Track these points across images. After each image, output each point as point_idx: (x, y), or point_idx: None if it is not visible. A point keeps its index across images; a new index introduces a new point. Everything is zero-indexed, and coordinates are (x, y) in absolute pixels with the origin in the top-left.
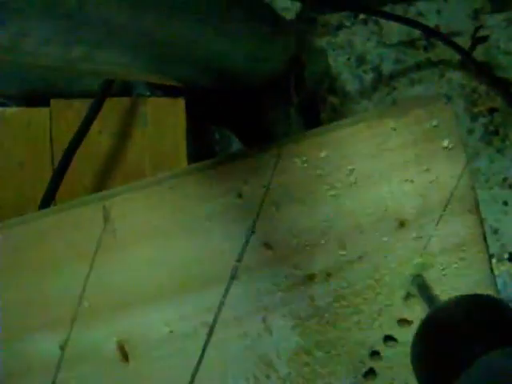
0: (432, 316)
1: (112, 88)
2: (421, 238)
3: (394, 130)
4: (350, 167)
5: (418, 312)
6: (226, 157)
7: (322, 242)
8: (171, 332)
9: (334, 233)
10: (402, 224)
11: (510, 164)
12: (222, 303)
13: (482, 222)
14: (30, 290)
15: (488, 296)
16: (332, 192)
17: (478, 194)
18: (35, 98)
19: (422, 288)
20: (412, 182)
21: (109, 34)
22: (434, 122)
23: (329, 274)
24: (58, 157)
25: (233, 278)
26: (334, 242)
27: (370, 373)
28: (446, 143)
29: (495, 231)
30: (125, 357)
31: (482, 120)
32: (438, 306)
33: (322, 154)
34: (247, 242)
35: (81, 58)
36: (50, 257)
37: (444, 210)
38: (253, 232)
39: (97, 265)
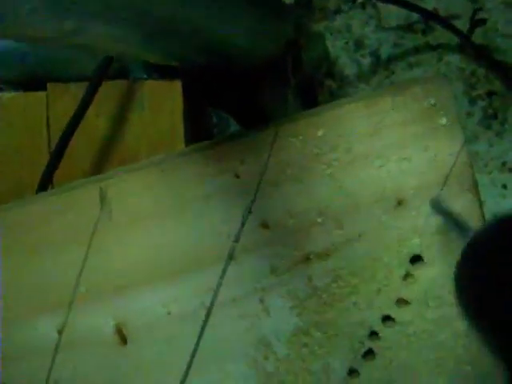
0: (473, 241)
1: (108, 71)
2: (419, 216)
3: (392, 108)
4: (347, 146)
5: (416, 292)
6: (223, 137)
7: (320, 221)
8: (169, 314)
9: (331, 212)
10: (399, 203)
11: (509, 147)
12: (219, 284)
13: (480, 200)
14: (27, 273)
15: None
16: (329, 171)
17: (476, 177)
18: (32, 83)
19: (439, 207)
20: (410, 160)
21: (105, 7)
22: (432, 100)
23: (327, 254)
24: (55, 141)
25: (230, 258)
26: (331, 222)
27: (369, 353)
28: (443, 121)
29: (494, 215)
30: (123, 340)
31: (481, 103)
32: (478, 230)
33: (320, 133)
34: (244, 222)
35: (71, 31)
36: (48, 239)
37: (442, 189)
38: (250, 212)
39: (94, 247)
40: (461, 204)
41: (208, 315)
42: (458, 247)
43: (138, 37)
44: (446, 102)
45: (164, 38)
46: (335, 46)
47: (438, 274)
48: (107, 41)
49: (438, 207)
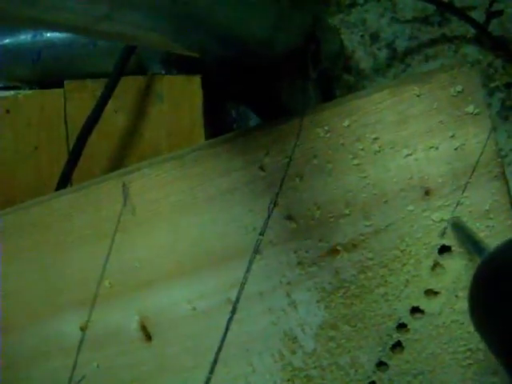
0: (489, 260)
1: (127, 66)
2: (447, 206)
3: (418, 96)
4: (373, 135)
5: (445, 282)
6: (247, 129)
7: (347, 212)
8: (194, 309)
9: (358, 203)
10: (427, 192)
11: None
12: (245, 279)
13: (508, 189)
14: (49, 270)
15: None
16: (355, 161)
17: None
18: (48, 81)
19: (459, 228)
20: (437, 149)
21: None
22: (459, 87)
23: (354, 246)
24: (73, 138)
25: (256, 252)
26: (358, 213)
27: (398, 345)
28: (470, 108)
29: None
30: (147, 336)
31: (499, 95)
32: (494, 250)
33: (345, 123)
34: (270, 215)
35: (103, 17)
36: (70, 236)
37: (470, 177)
38: (275, 205)
39: (117, 242)
40: (489, 192)
41: (234, 310)
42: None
43: (167, 26)
44: (473, 89)
45: (192, 29)
46: (351, 40)
47: (467, 264)
48: (137, 29)
49: (457, 226)
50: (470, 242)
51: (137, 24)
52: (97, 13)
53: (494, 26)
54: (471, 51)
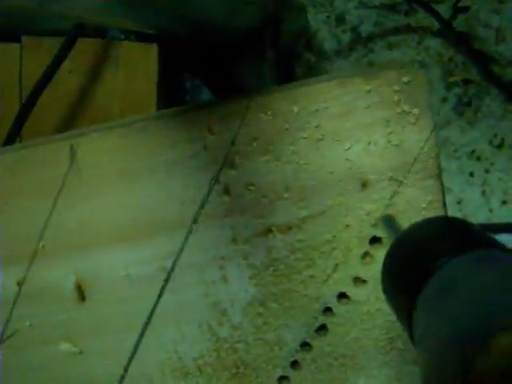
0: (398, 238)
1: (85, 28)
2: (382, 199)
3: (365, 90)
4: (317, 123)
5: (373, 272)
6: (195, 105)
7: (285, 195)
8: (127, 275)
9: (296, 187)
10: (364, 184)
11: (480, 136)
12: (181, 249)
13: (443, 189)
14: None
15: (449, 216)
16: (297, 147)
17: (445, 163)
18: (5, 34)
19: (389, 224)
20: (377, 143)
21: None
22: (405, 86)
23: (289, 228)
24: (27, 95)
25: (193, 224)
26: (296, 197)
27: (322, 328)
28: (414, 107)
29: (459, 201)
30: (82, 296)
31: (456, 90)
32: (404, 230)
33: (292, 109)
34: (210, 190)
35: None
36: (14, 193)
37: (406, 175)
38: (216, 181)
39: (60, 203)
40: (423, 191)
41: (167, 279)
42: None
43: (116, 7)
44: (418, 88)
45: (142, 8)
46: (316, 20)
47: None
48: (84, 11)
49: (388, 222)
50: (395, 231)
51: (84, 6)
52: None
53: (459, 22)
54: (434, 44)
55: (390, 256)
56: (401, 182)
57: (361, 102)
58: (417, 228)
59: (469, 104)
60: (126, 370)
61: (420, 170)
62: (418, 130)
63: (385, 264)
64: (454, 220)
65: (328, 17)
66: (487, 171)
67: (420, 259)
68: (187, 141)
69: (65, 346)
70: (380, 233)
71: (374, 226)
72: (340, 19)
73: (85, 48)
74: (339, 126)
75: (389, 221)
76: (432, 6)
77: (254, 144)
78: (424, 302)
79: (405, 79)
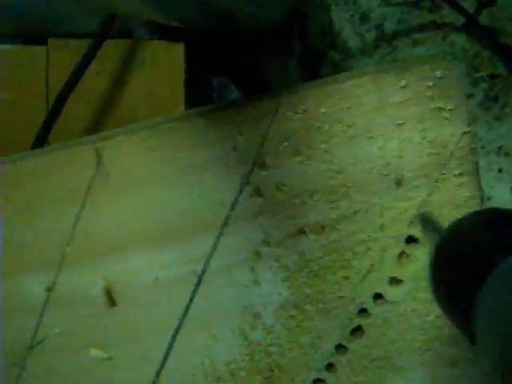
0: (446, 235)
1: (111, 29)
2: (417, 197)
3: (398, 85)
4: (350, 121)
5: (409, 272)
6: (224, 104)
7: (318, 195)
8: (156, 279)
9: (329, 187)
10: (399, 183)
11: (507, 132)
12: (212, 252)
13: (480, 184)
14: (20, 229)
15: (496, 208)
16: (330, 146)
17: None
18: (33, 37)
19: (427, 221)
20: (411, 140)
21: None
22: (438, 81)
23: (322, 228)
24: (53, 97)
25: (224, 227)
26: (329, 196)
27: (357, 330)
28: (449, 102)
29: (488, 198)
30: (111, 301)
31: (483, 85)
32: (449, 225)
33: (323, 106)
34: (241, 191)
35: None
36: (41, 197)
37: (443, 171)
38: (247, 182)
39: (87, 207)
40: (460, 187)
41: (199, 282)
42: None
43: None
44: (452, 82)
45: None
46: (340, 18)
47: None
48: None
49: (426, 220)
50: (436, 234)
51: None
52: None
53: (484, 16)
54: (459, 40)
55: (440, 255)
56: (436, 179)
57: (394, 97)
58: (467, 223)
59: (496, 99)
60: (157, 375)
61: (456, 167)
62: (452, 125)
63: (435, 263)
64: (504, 212)
65: (352, 15)
66: None
67: (478, 256)
68: (216, 142)
69: (94, 352)
70: (416, 232)
71: (410, 224)
72: (364, 17)
73: (111, 49)
74: (372, 123)
75: (426, 218)
76: (456, 0)
77: (285, 144)
78: (490, 296)
79: (438, 74)
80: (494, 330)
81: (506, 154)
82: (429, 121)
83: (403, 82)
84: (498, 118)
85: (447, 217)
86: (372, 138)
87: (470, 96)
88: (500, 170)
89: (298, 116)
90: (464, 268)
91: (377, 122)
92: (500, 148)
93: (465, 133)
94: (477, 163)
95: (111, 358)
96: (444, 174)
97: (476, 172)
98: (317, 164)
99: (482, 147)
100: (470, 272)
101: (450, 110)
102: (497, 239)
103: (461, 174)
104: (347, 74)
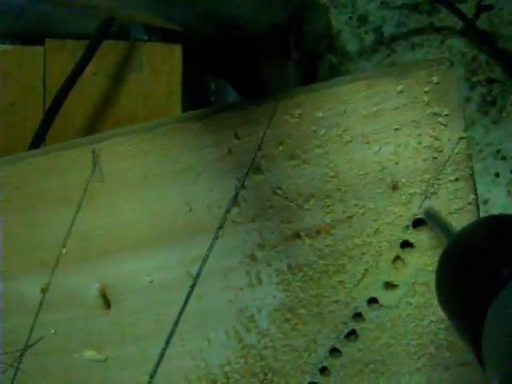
0: (452, 245)
1: (109, 30)
2: (413, 202)
3: (394, 90)
4: (346, 125)
5: (404, 276)
6: (220, 107)
7: (313, 200)
8: (151, 282)
9: (324, 191)
10: (394, 187)
11: (505, 135)
12: (207, 255)
13: (476, 189)
14: (15, 230)
15: (505, 216)
16: (325, 150)
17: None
18: (30, 38)
19: (432, 217)
20: (408, 145)
21: None
22: (435, 86)
23: (317, 232)
24: (51, 97)
25: (219, 230)
26: (324, 201)
27: (352, 334)
28: (445, 107)
29: (485, 202)
30: (106, 303)
31: (480, 89)
32: (459, 232)
33: (319, 110)
34: (236, 194)
35: None
36: (37, 198)
37: (438, 176)
38: (242, 186)
39: (83, 209)
40: (456, 192)
41: (193, 285)
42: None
43: (143, 0)
44: (449, 87)
45: (169, 3)
46: (338, 20)
47: (427, 260)
48: (111, 2)
49: (432, 217)
50: (442, 230)
51: None
52: None
53: (482, 20)
54: (457, 43)
55: (448, 265)
56: (432, 185)
57: (390, 102)
58: (473, 233)
59: (493, 103)
60: (151, 377)
61: (452, 172)
62: (449, 131)
63: (442, 275)
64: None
65: (350, 18)
66: None
67: (487, 269)
68: (212, 144)
69: (89, 354)
70: (411, 237)
71: (405, 229)
72: (362, 20)
73: (109, 50)
74: (368, 128)
75: (431, 214)
76: (455, 4)
77: (281, 147)
78: (502, 311)
79: (435, 79)
80: (504, 347)
81: (503, 158)
82: (425, 126)
83: (400, 87)
84: (495, 122)
85: None
86: (368, 142)
87: (467, 100)
88: (497, 175)
89: (294, 120)
90: (474, 282)
91: (373, 126)
92: (497, 152)
93: (461, 138)
94: (473, 169)
95: (106, 359)
96: (440, 179)
97: (472, 177)
98: (312, 168)
99: (480, 151)
100: (480, 286)
101: (446, 115)
102: (508, 252)
103: (457, 180)
104: (344, 79)
